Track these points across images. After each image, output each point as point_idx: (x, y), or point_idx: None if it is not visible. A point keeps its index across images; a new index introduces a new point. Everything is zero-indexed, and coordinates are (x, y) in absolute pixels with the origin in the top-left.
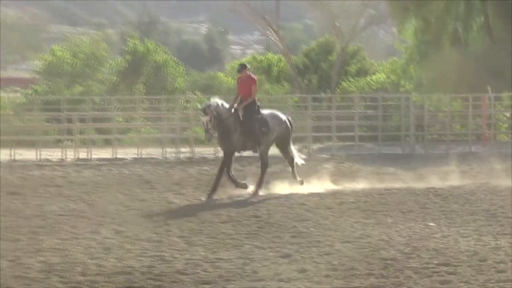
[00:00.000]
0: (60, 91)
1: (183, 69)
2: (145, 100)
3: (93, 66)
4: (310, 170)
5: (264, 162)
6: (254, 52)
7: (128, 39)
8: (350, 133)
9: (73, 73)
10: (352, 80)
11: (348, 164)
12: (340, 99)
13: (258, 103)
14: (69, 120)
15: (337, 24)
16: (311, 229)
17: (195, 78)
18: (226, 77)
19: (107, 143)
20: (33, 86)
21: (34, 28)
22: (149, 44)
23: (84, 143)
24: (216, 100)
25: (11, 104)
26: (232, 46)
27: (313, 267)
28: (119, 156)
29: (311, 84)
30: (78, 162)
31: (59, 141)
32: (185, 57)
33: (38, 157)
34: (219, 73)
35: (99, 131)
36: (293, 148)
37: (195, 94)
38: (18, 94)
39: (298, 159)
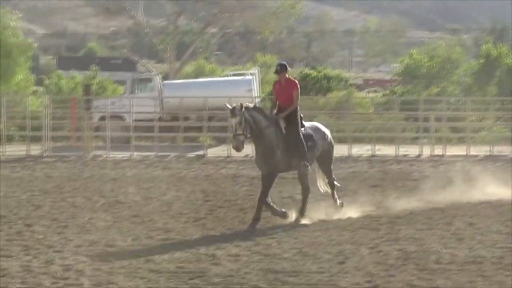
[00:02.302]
0: (418, 92)
1: None
2: (497, 101)
3: (449, 69)
4: None
5: (305, 185)
6: None
7: (481, 43)
8: None
9: (430, 75)
10: None
11: None
12: None
13: (301, 114)
14: (426, 119)
15: None
16: None
17: None
18: None
19: (461, 141)
20: (391, 87)
21: (394, 34)
22: (502, 48)
23: (439, 141)
24: (249, 104)
25: (372, 103)
26: None
27: None
28: (472, 153)
29: None
30: (433, 158)
31: (416, 138)
32: None
33: (396, 153)
34: None
35: (454, 129)
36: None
37: None
38: (378, 94)
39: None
